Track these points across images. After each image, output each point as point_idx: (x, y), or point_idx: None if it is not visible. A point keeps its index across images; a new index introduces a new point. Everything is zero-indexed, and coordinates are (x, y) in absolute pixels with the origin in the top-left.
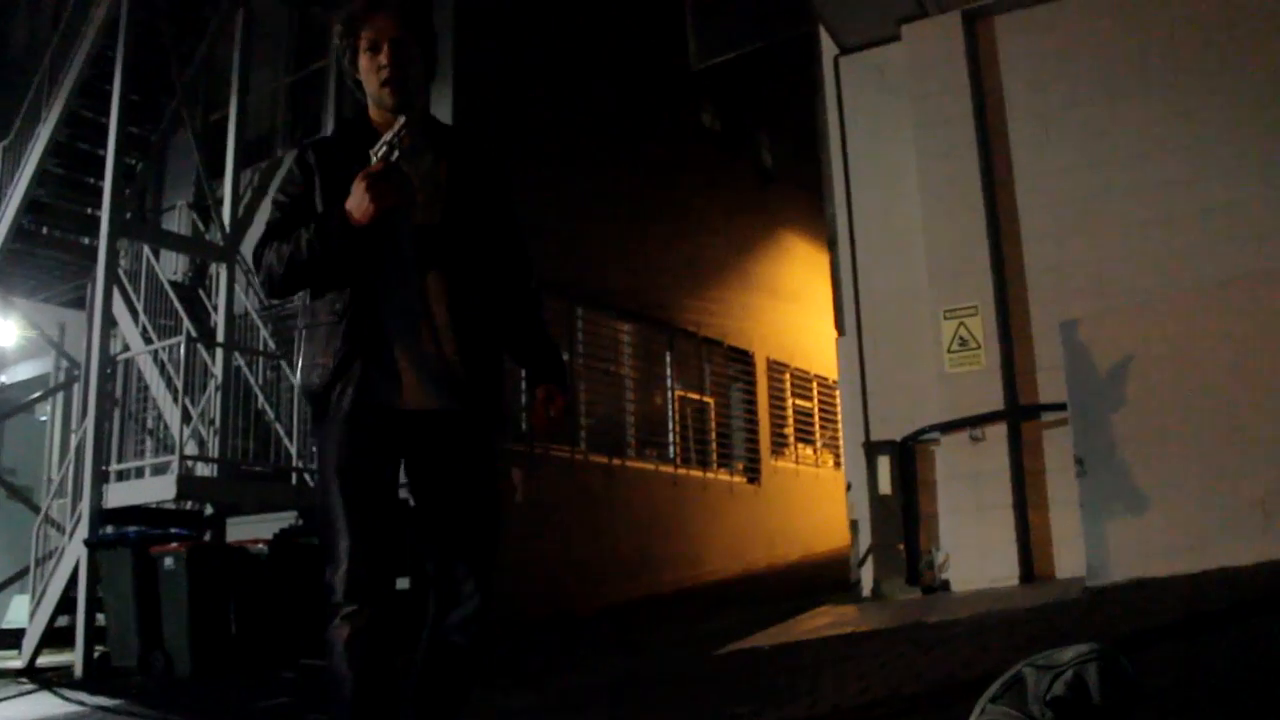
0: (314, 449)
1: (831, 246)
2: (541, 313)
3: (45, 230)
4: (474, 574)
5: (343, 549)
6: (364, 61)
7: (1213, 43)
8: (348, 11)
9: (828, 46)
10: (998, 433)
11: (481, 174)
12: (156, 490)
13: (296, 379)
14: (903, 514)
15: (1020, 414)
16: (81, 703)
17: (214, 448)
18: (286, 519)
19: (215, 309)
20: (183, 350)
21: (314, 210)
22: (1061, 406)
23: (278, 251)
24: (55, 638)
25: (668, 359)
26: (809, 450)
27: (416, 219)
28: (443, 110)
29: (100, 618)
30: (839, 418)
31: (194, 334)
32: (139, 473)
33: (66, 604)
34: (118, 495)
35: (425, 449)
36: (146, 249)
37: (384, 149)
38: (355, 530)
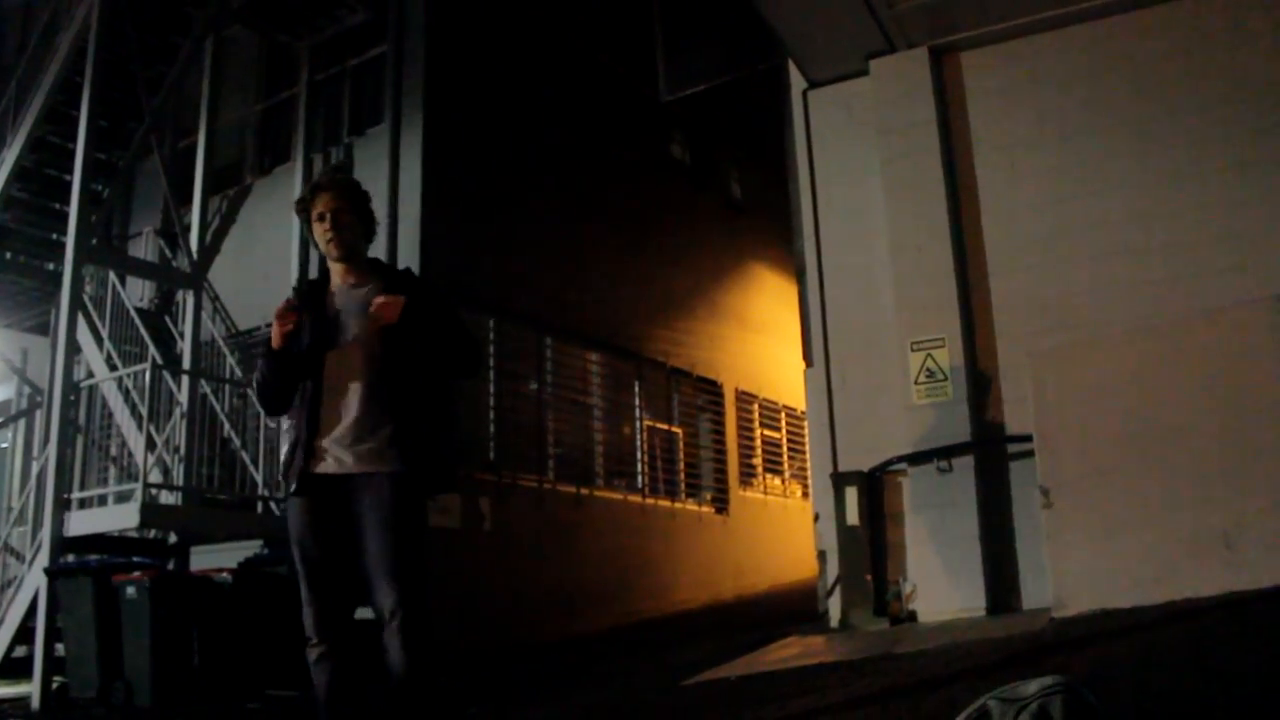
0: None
1: (800, 278)
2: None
3: (9, 255)
4: (395, 590)
5: (308, 609)
6: (315, 229)
7: (1176, 79)
8: (302, 192)
9: (796, 80)
10: (965, 464)
11: (413, 290)
12: (119, 518)
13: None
14: (870, 545)
15: (987, 445)
16: None
17: (179, 476)
18: (251, 548)
19: (182, 336)
20: (148, 377)
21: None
22: (1028, 438)
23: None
24: (12, 668)
25: (636, 389)
26: (777, 481)
27: (354, 334)
28: (412, 147)
29: (59, 648)
30: (807, 448)
31: (160, 361)
32: (101, 500)
33: (24, 634)
34: (79, 523)
35: (361, 502)
36: (112, 275)
37: (289, 296)
38: (311, 593)
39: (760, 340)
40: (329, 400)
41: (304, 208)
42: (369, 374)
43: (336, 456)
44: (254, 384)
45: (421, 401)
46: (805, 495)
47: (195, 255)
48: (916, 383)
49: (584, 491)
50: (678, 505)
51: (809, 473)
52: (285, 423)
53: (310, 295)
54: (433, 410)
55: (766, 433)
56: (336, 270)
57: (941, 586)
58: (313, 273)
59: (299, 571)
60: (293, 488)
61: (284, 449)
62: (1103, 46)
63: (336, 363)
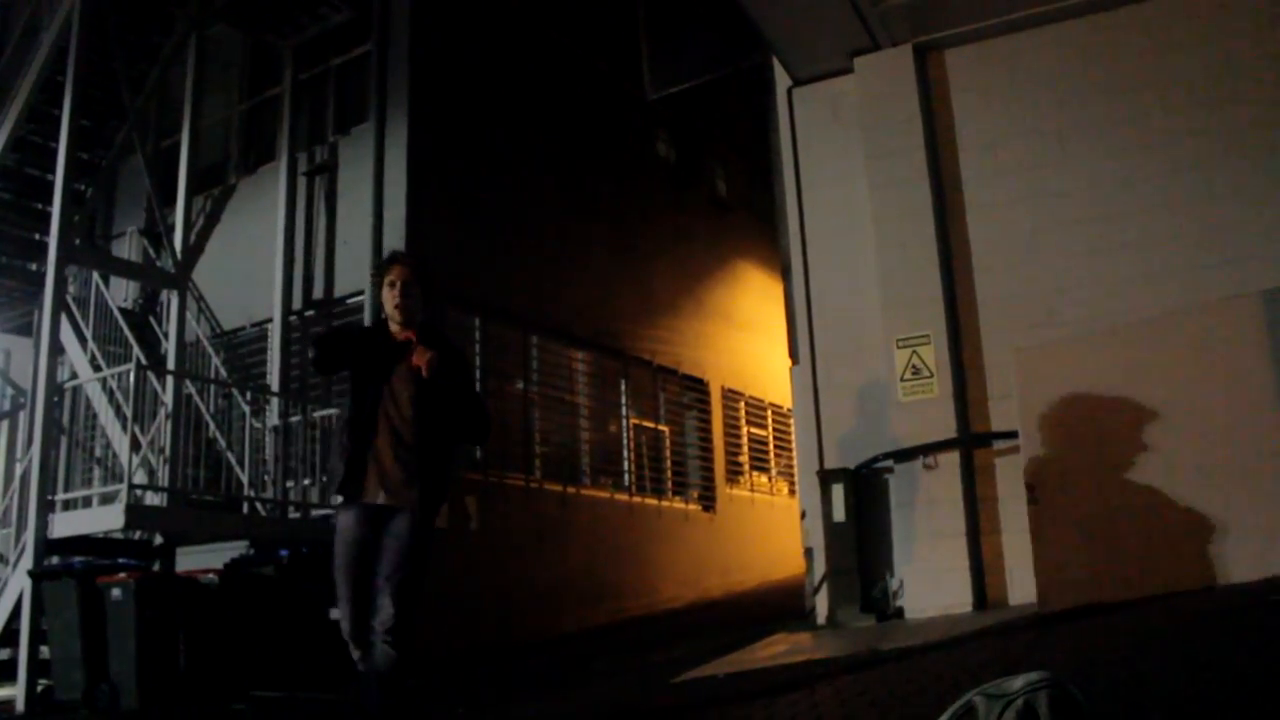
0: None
1: (785, 275)
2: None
3: None
4: (392, 598)
5: (344, 612)
6: (385, 292)
7: (1160, 76)
8: (379, 262)
9: (781, 78)
10: (950, 460)
11: (449, 360)
12: (104, 520)
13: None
14: (857, 542)
15: (972, 442)
16: None
17: (164, 477)
18: (237, 549)
19: (166, 336)
20: (132, 378)
21: (351, 344)
22: (1013, 434)
23: (327, 344)
24: None
25: (622, 387)
26: (764, 478)
27: (401, 390)
28: (397, 145)
29: (44, 650)
30: (793, 446)
31: (144, 361)
32: (86, 502)
33: (9, 636)
34: (64, 525)
35: (384, 524)
36: (96, 275)
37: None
38: (348, 599)
39: (746, 338)
40: (376, 440)
41: (379, 274)
42: (405, 426)
43: (375, 490)
44: (320, 343)
45: (439, 453)
46: (792, 492)
47: (179, 255)
48: (902, 380)
49: (570, 490)
50: (664, 503)
51: (795, 470)
52: (343, 440)
53: (375, 334)
54: (445, 459)
55: (753, 430)
56: (396, 331)
57: (928, 582)
58: (298, 273)
59: (339, 584)
60: (338, 500)
61: (331, 470)
62: (1086, 43)
63: (385, 411)
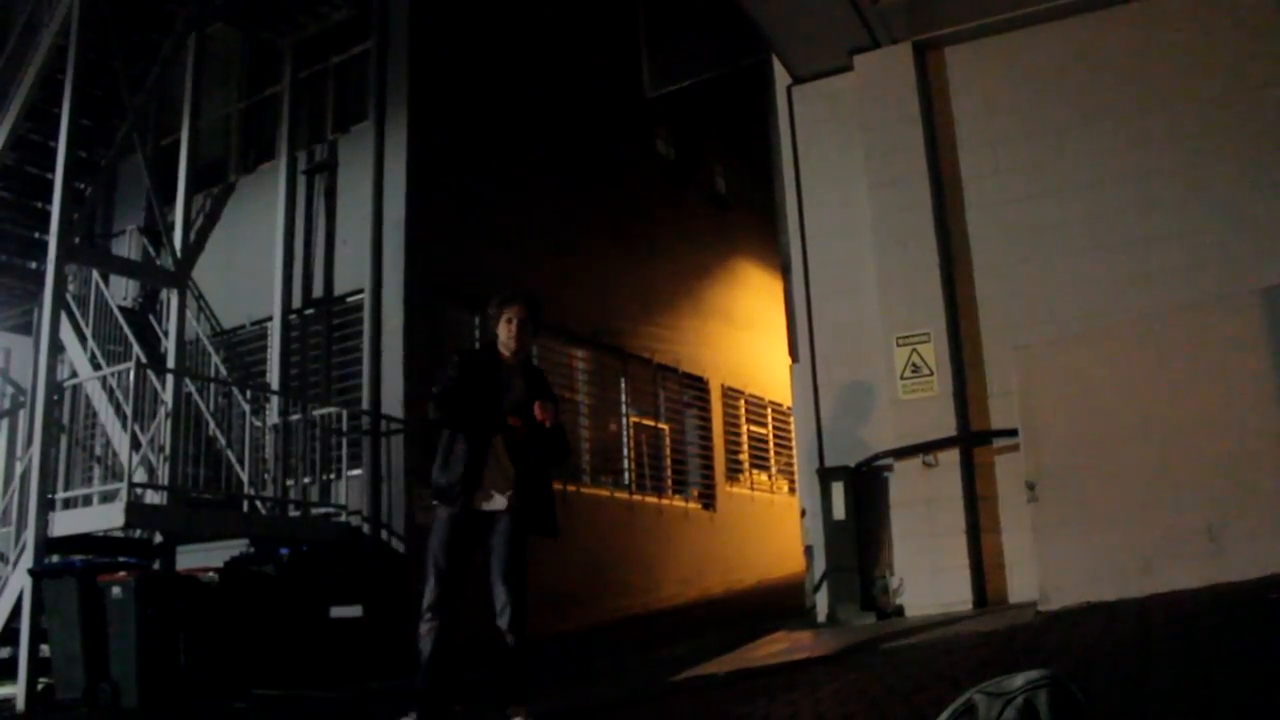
0: (431, 517)
1: (785, 273)
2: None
3: None
4: (509, 592)
5: (432, 587)
6: (502, 326)
7: (1155, 75)
8: (500, 298)
9: (780, 76)
10: (950, 458)
11: (543, 392)
12: (104, 518)
13: (433, 476)
14: (857, 539)
15: (972, 440)
16: None
17: (164, 475)
18: (237, 547)
19: (166, 335)
20: (132, 376)
21: (463, 388)
22: (1013, 432)
23: (447, 402)
24: None
25: (622, 385)
26: (764, 476)
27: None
28: (397, 143)
29: (45, 649)
30: (793, 444)
31: (144, 360)
32: (86, 500)
33: (9, 635)
34: (64, 523)
35: (493, 529)
36: (96, 274)
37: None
38: (440, 579)
39: (746, 336)
40: (488, 456)
41: (497, 309)
42: (513, 446)
43: (485, 498)
44: (447, 405)
45: (535, 467)
46: (792, 491)
47: (179, 253)
48: (902, 378)
49: (570, 488)
50: (665, 502)
51: (795, 468)
52: (456, 449)
53: (485, 359)
54: (542, 474)
55: (753, 428)
56: (506, 355)
57: (928, 580)
58: (298, 272)
59: (431, 566)
60: (456, 510)
61: (443, 477)
62: (1086, 41)
63: (498, 432)
